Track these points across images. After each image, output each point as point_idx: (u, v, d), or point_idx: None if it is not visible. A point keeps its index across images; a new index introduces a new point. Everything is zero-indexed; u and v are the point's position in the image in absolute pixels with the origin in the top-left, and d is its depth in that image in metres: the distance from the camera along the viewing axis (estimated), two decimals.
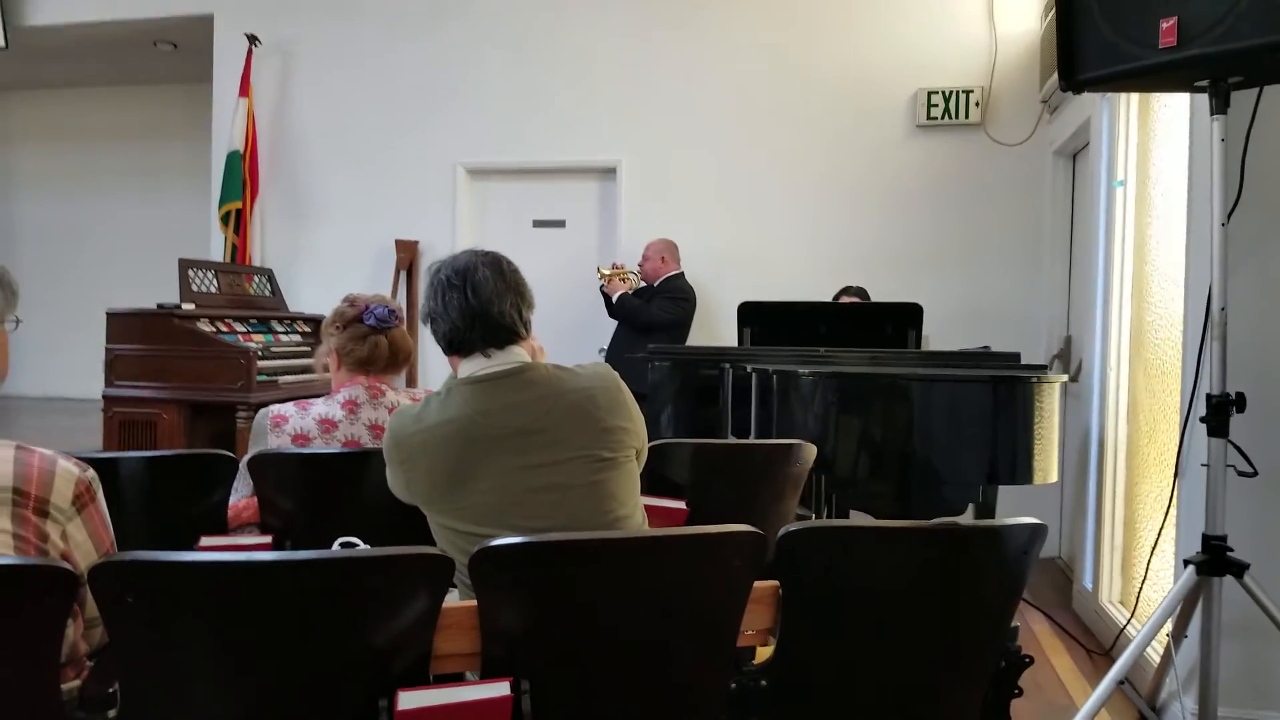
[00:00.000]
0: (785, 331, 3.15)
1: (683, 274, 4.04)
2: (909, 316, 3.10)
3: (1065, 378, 2.54)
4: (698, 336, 4.07)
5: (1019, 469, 2.28)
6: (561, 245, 4.44)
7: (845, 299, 3.69)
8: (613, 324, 4.14)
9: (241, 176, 4.35)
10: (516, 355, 1.32)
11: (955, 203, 4.13)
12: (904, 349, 3.05)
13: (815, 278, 4.13)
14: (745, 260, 4.24)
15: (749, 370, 2.60)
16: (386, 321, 1.71)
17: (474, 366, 1.31)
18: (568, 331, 4.31)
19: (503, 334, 1.30)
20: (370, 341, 1.70)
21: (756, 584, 1.12)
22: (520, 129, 4.33)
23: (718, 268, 4.23)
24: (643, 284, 4.04)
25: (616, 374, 1.35)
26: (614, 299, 3.90)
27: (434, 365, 4.34)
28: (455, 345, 1.31)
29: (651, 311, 3.82)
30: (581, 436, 1.25)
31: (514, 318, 1.31)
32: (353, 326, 1.71)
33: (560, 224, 4.45)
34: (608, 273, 3.98)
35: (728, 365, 2.84)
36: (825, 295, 3.86)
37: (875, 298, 3.78)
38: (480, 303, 1.28)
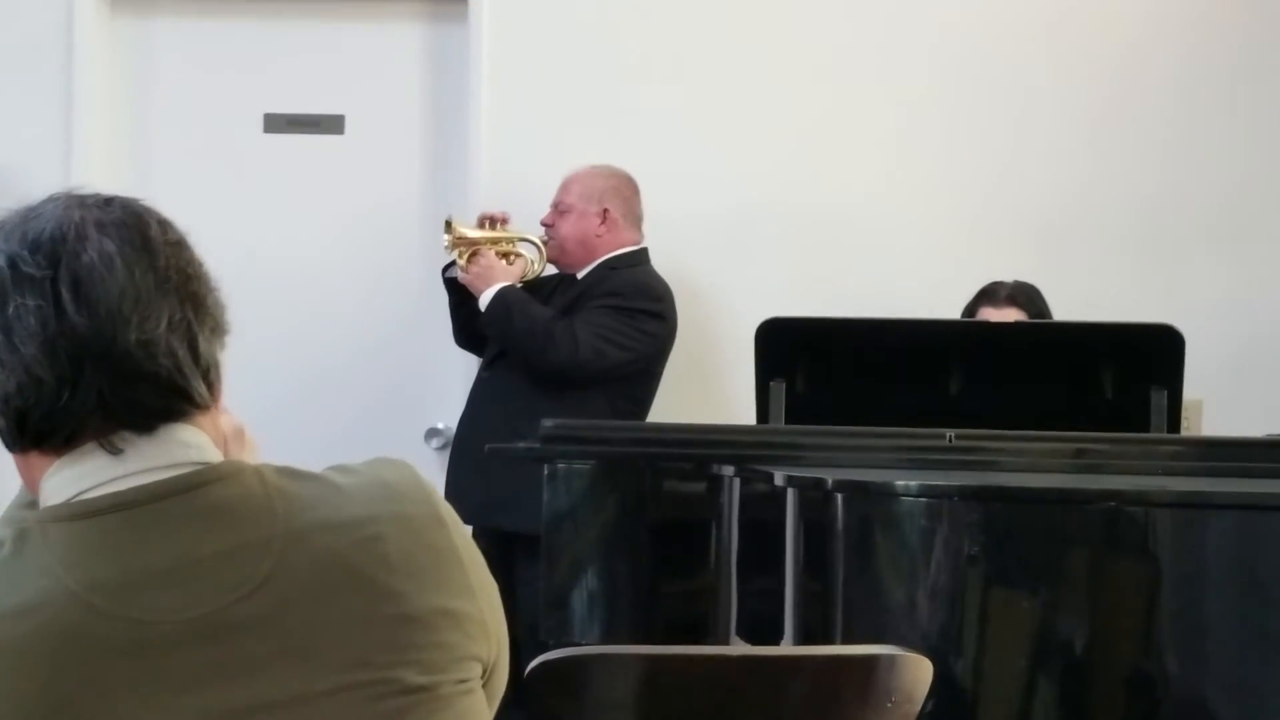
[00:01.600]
0: (861, 385, 3.21)
1: (646, 253, 4.10)
2: (1151, 355, 3.18)
3: None
4: (668, 401, 4.09)
5: None
6: (334, 176, 4.45)
7: (994, 312, 3.76)
8: (466, 368, 4.14)
9: None
10: (186, 449, 1.33)
11: (1249, 94, 4.26)
12: (1141, 433, 3.10)
13: (930, 262, 4.18)
14: (773, 222, 4.29)
15: (778, 483, 2.64)
16: None
17: (83, 477, 1.31)
18: (350, 386, 4.30)
19: (152, 397, 1.31)
20: None
21: None
22: None
23: (710, 241, 4.27)
24: (550, 268, 4.09)
25: (429, 488, 1.38)
26: (484, 298, 3.94)
27: None
28: (34, 426, 1.31)
29: (575, 332, 3.87)
30: (350, 639, 1.28)
31: (178, 358, 1.32)
32: None
33: (334, 125, 4.49)
34: (471, 236, 4.01)
35: (729, 470, 2.87)
36: (950, 304, 3.91)
37: (1063, 310, 3.83)
38: (93, 322, 1.28)
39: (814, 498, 2.54)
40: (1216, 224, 4.27)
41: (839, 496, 2.47)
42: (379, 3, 4.44)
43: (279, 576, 1.27)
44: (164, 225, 1.35)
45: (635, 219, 4.09)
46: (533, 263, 4.04)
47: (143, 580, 1.25)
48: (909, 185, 4.30)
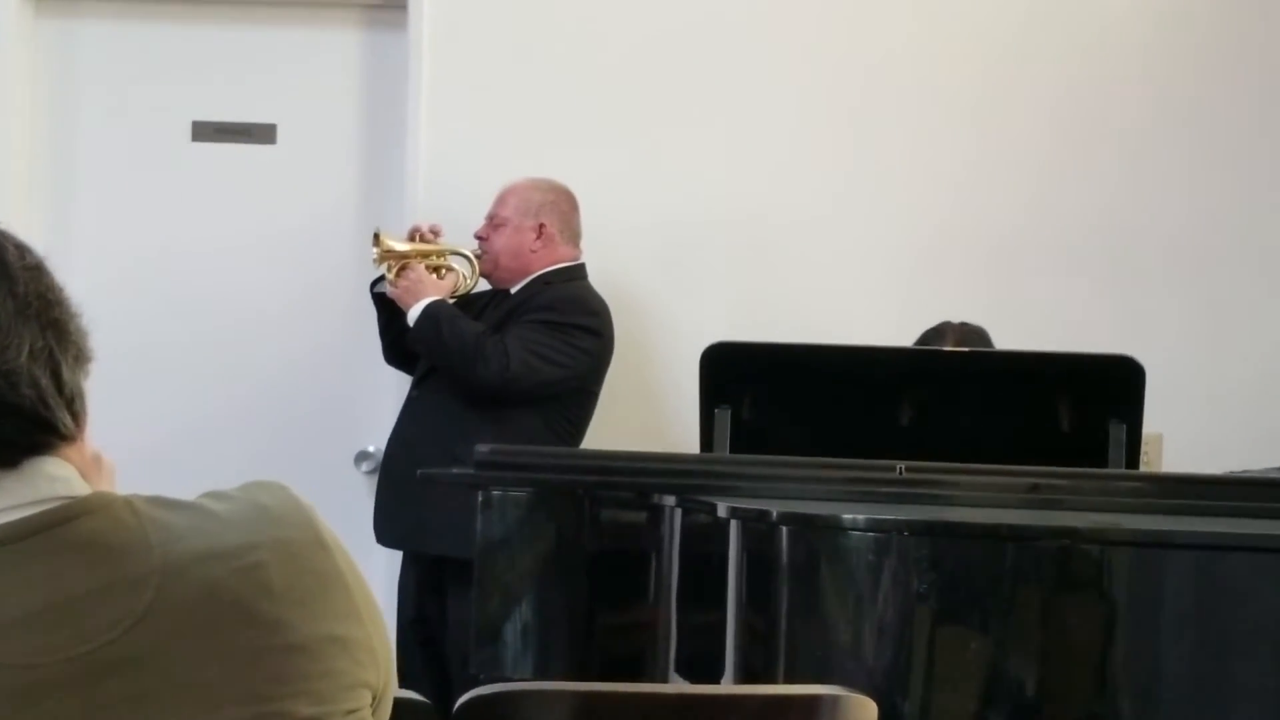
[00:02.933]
0: (810, 414, 3.21)
1: (583, 267, 4.10)
2: (1110, 387, 3.19)
3: None
4: (607, 426, 4.07)
5: None
6: (265, 187, 4.44)
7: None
8: (397, 388, 4.12)
9: None
10: (53, 483, 1.31)
11: (1209, 119, 4.28)
12: (1098, 468, 3.10)
13: (879, 284, 4.18)
14: (718, 241, 4.29)
15: (722, 514, 2.64)
16: None
17: None
18: (276, 407, 4.29)
19: (15, 431, 1.29)
20: None
21: None
22: None
23: (654, 260, 4.27)
24: (483, 283, 4.08)
25: (308, 510, 1.37)
26: (412, 313, 3.92)
27: None
28: None
29: (509, 349, 3.85)
30: (235, 673, 1.25)
31: (41, 388, 1.30)
32: None
33: (265, 134, 4.48)
34: (400, 249, 3.99)
35: (671, 500, 2.85)
36: (900, 327, 3.87)
37: (1018, 338, 3.81)
38: None
39: (758, 530, 2.52)
40: (1176, 252, 4.29)
41: (784, 529, 2.46)
42: (314, 8, 4.42)
43: (158, 611, 1.23)
44: (21, 249, 1.33)
45: (573, 234, 4.07)
46: (465, 277, 4.02)
47: (14, 622, 1.22)
48: (858, 206, 4.30)
